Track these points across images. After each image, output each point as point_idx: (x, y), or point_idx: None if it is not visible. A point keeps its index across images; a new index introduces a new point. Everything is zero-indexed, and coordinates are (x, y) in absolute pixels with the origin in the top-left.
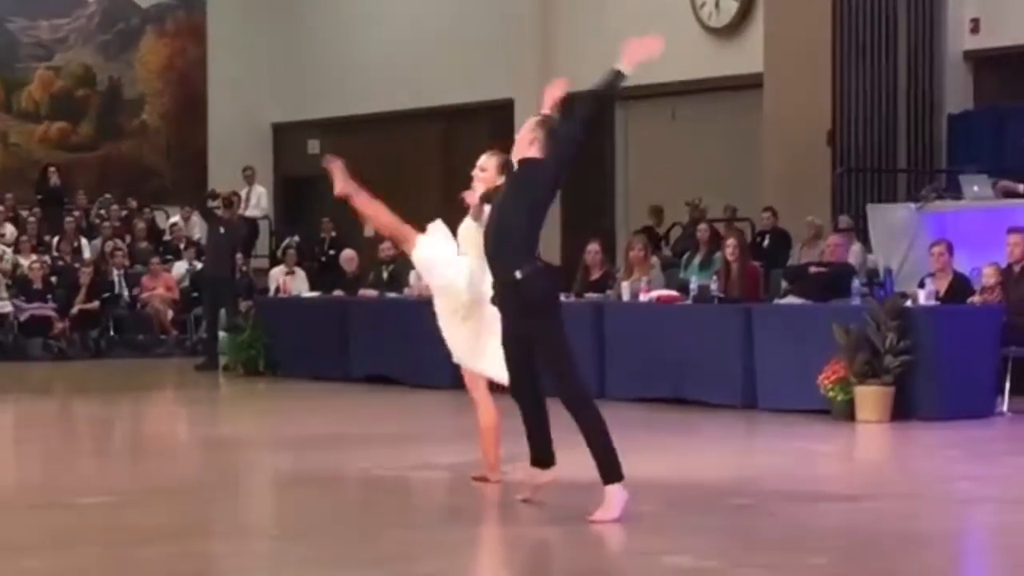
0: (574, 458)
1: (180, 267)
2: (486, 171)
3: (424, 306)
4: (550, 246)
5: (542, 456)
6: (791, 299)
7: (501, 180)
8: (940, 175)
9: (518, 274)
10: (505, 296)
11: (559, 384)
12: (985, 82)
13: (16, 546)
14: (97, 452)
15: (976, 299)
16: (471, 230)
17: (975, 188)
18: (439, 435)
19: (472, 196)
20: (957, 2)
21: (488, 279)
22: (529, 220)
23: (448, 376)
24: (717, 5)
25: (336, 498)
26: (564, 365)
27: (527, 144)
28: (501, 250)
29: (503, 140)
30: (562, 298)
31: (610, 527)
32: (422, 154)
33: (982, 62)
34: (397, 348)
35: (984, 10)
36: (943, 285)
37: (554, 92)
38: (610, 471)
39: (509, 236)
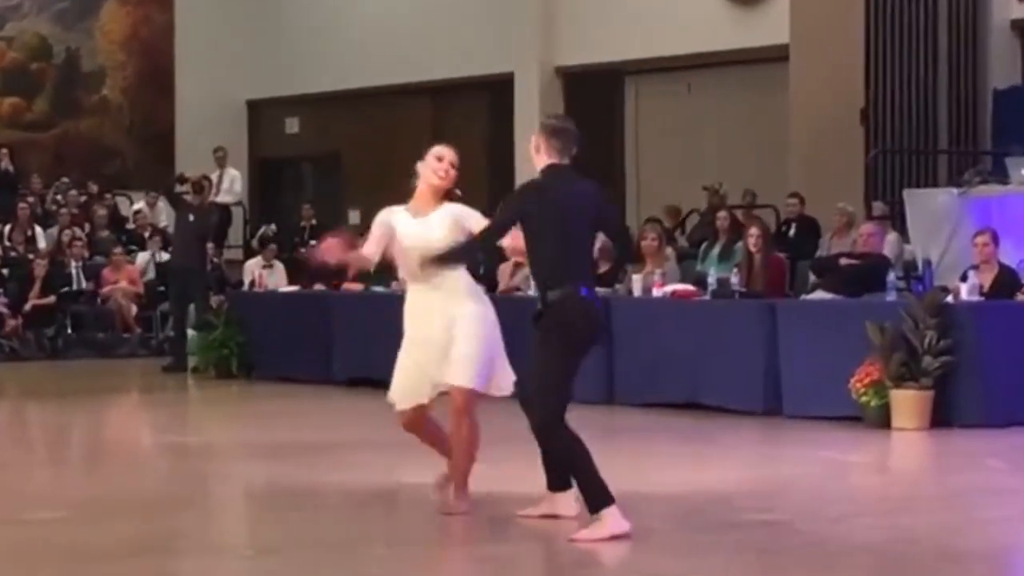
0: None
1: (144, 258)
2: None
3: None
4: None
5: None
6: (820, 294)
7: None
8: (985, 157)
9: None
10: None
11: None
12: None
13: None
14: (53, 462)
15: None
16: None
17: (1023, 171)
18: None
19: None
20: None
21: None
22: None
23: None
24: None
25: (313, 513)
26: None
27: (535, 153)
28: None
29: (503, 117)
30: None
31: (616, 545)
32: (411, 133)
33: None
34: (384, 348)
35: None
36: (988, 279)
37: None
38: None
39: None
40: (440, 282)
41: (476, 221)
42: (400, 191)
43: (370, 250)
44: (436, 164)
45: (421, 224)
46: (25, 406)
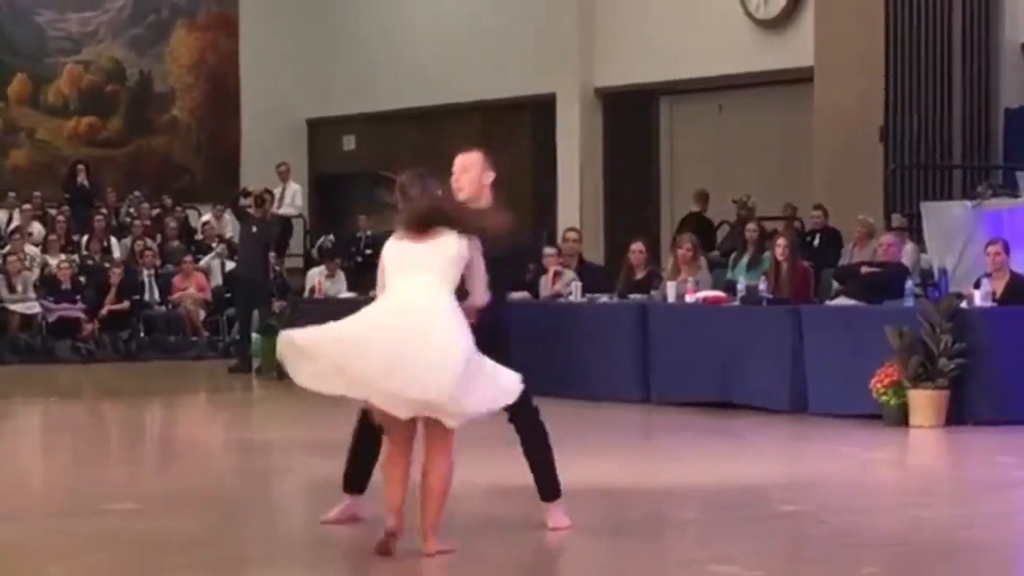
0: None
1: (212, 264)
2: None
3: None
4: (592, 245)
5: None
6: (842, 300)
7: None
8: (996, 171)
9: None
10: None
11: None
12: None
13: (42, 552)
14: (126, 457)
15: None
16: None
17: None
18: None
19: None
20: None
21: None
22: None
23: None
24: None
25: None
26: None
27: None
28: None
29: (545, 136)
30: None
31: (652, 535)
32: (460, 150)
33: None
34: None
35: None
36: (1000, 286)
37: None
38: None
39: None
40: None
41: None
42: None
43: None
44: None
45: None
46: (101, 405)
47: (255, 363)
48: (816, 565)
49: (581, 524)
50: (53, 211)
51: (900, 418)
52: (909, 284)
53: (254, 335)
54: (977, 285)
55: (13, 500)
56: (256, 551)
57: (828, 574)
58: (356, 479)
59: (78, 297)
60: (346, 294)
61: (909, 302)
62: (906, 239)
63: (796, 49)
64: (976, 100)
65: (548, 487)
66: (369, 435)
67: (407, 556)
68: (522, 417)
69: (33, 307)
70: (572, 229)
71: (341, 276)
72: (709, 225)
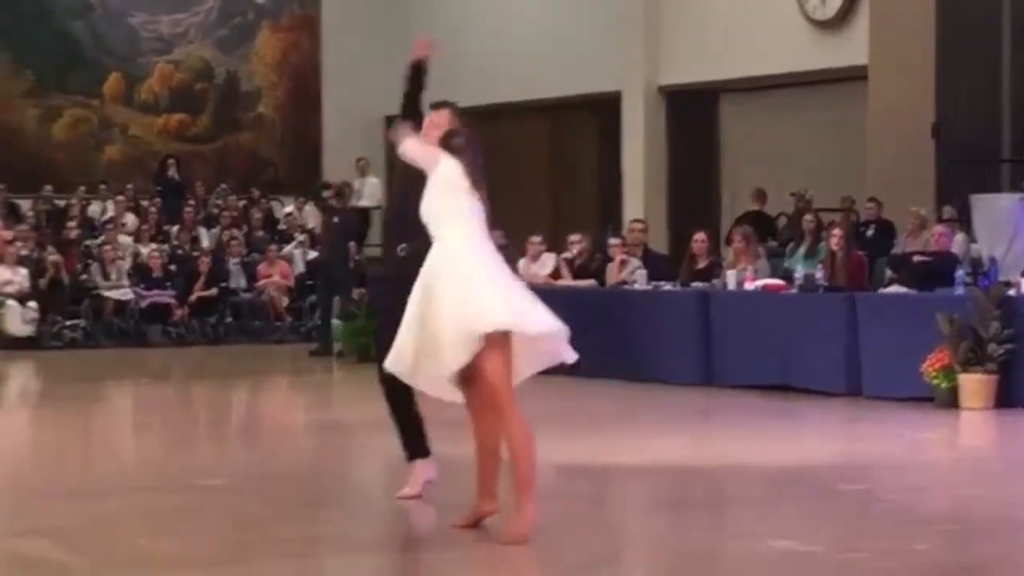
0: (672, 445)
1: (295, 253)
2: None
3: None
4: (656, 235)
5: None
6: (895, 288)
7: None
8: None
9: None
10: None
11: None
12: None
13: (136, 527)
14: (214, 436)
15: None
16: None
17: None
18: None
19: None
20: None
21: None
22: None
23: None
24: None
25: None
26: None
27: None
28: None
29: (610, 134)
30: (667, 286)
31: (715, 510)
32: (529, 147)
33: None
34: None
35: None
36: None
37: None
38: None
39: None
40: None
41: None
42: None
43: None
44: None
45: None
46: (190, 386)
47: (336, 347)
48: (872, 541)
49: (645, 499)
50: (145, 203)
51: (951, 401)
52: (959, 273)
53: (335, 321)
54: None
55: (108, 477)
56: (337, 527)
57: (883, 550)
58: (415, 445)
59: (168, 284)
60: None
61: (959, 290)
62: (956, 230)
63: (851, 48)
64: None
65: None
66: (402, 400)
67: (483, 528)
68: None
69: (126, 293)
70: (637, 220)
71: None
72: (768, 220)
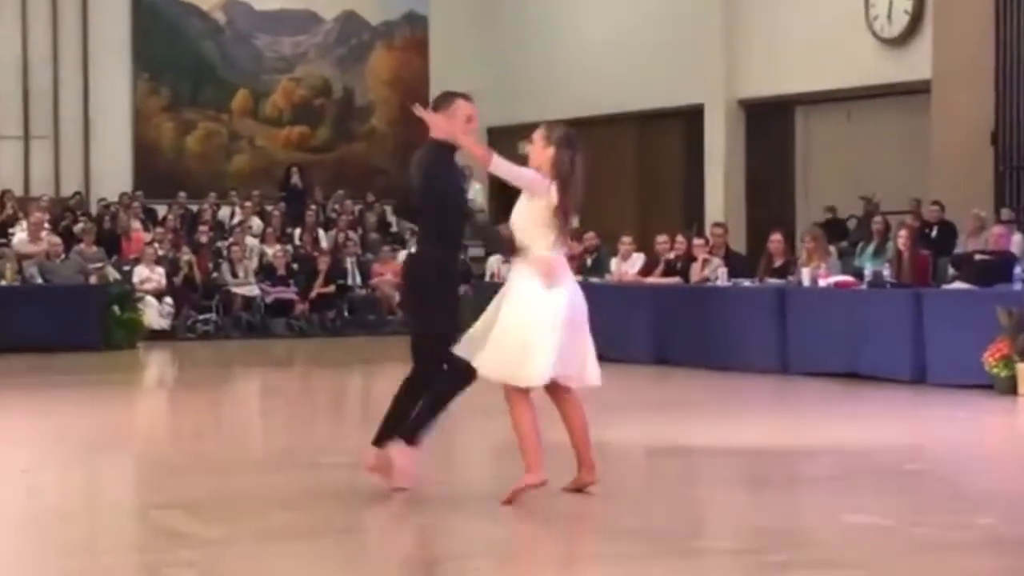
0: (750, 427)
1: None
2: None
3: (625, 289)
4: (736, 237)
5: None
6: (957, 284)
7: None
8: None
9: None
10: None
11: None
12: None
13: (268, 501)
14: (334, 418)
15: None
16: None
17: None
18: (642, 406)
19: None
20: None
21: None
22: None
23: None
24: (889, 17)
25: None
26: None
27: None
28: None
29: (694, 143)
30: (746, 283)
31: (787, 487)
32: (619, 154)
33: None
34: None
35: None
36: None
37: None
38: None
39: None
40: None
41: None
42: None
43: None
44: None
45: None
46: (311, 373)
47: None
48: (938, 516)
49: (727, 478)
50: (270, 207)
51: (1010, 388)
52: (1017, 270)
53: None
54: None
55: (238, 455)
56: (446, 489)
57: (949, 524)
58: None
59: (291, 281)
60: None
61: (1017, 286)
62: (1014, 231)
63: (916, 63)
64: None
65: (415, 433)
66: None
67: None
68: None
69: (253, 290)
70: (718, 224)
71: None
72: (839, 223)
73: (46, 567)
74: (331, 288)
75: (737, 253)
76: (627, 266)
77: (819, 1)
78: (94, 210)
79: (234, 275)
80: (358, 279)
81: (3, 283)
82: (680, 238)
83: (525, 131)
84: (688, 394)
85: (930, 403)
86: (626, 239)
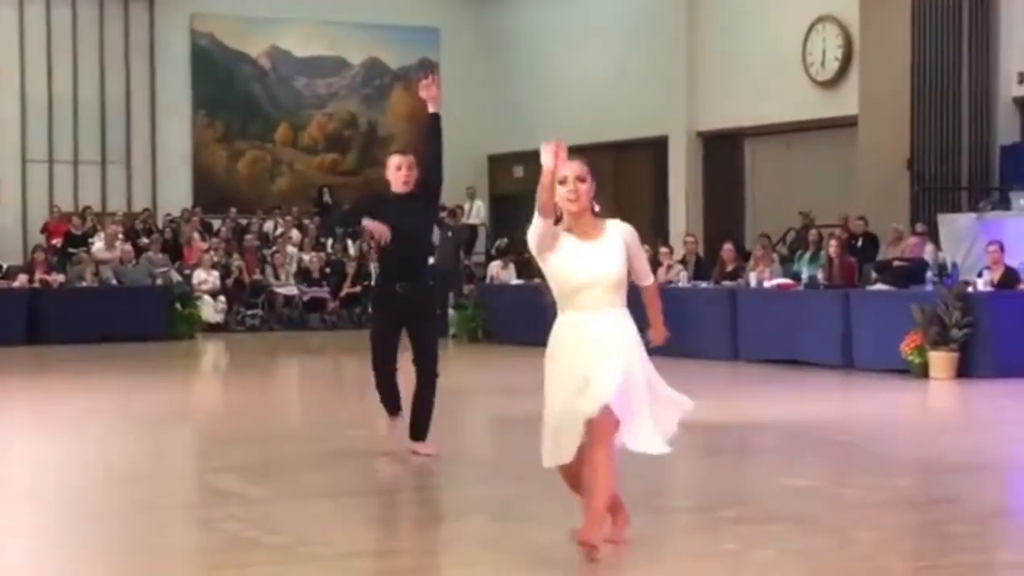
0: (706, 406)
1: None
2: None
3: None
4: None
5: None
6: (879, 286)
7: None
8: (994, 192)
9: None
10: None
11: (432, 360)
12: None
13: (304, 466)
14: (359, 397)
15: (1023, 286)
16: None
17: (1021, 202)
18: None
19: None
20: (1007, 58)
21: None
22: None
23: None
24: (823, 63)
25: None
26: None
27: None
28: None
29: (660, 170)
30: (703, 284)
31: (735, 456)
32: (598, 180)
33: None
34: None
35: None
36: (996, 275)
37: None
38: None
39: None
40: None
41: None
42: None
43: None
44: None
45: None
46: (341, 361)
47: (451, 330)
48: (862, 479)
49: (683, 448)
50: (306, 221)
51: (923, 372)
52: (929, 274)
53: (450, 310)
54: (980, 275)
55: (280, 427)
56: (457, 468)
57: (871, 485)
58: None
59: (324, 283)
60: (515, 281)
61: (929, 287)
62: (927, 241)
63: (845, 102)
64: (979, 138)
65: (423, 429)
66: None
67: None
68: (426, 364)
69: (292, 290)
70: (689, 235)
71: (512, 268)
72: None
73: (118, 521)
74: (358, 288)
75: (700, 258)
76: None
77: (764, 49)
78: (160, 223)
79: (276, 277)
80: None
81: (84, 284)
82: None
83: (519, 158)
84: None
85: (856, 385)
86: None
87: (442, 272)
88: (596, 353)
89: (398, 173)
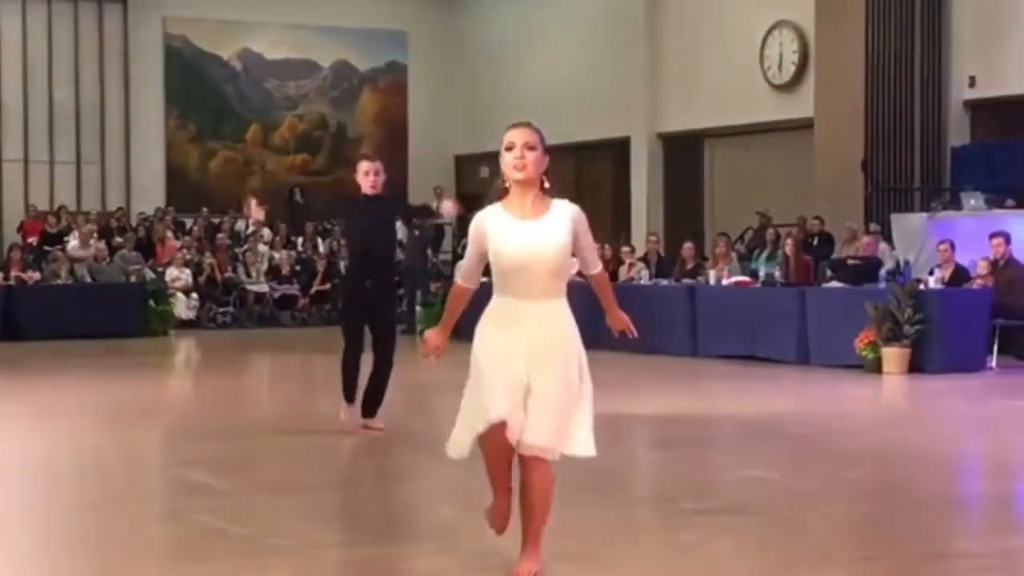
0: (666, 400)
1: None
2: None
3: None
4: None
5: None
6: (834, 284)
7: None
8: (945, 192)
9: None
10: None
11: (391, 350)
12: (979, 124)
13: (272, 460)
14: (331, 393)
15: (973, 284)
16: None
17: (972, 202)
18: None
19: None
20: (959, 64)
21: None
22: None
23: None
24: (780, 67)
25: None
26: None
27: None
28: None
29: (623, 170)
30: (664, 282)
31: (694, 448)
32: (561, 180)
33: (977, 109)
34: None
35: (979, 70)
36: (947, 273)
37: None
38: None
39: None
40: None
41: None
42: None
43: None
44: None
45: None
46: (312, 357)
47: (418, 327)
48: (816, 468)
49: (645, 441)
50: (278, 220)
51: (876, 367)
52: (882, 272)
53: (418, 308)
54: (931, 273)
55: (249, 422)
56: (416, 460)
57: (825, 475)
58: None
59: (295, 280)
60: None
61: (882, 285)
62: (880, 240)
63: (801, 105)
64: (931, 141)
65: (375, 407)
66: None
67: None
68: (384, 353)
69: (263, 287)
70: (652, 233)
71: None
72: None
73: (88, 513)
74: (328, 286)
75: (661, 256)
76: (570, 267)
77: (724, 54)
78: (134, 222)
79: (248, 275)
80: None
81: (59, 281)
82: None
83: (485, 159)
84: (616, 373)
85: (812, 380)
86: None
87: (410, 270)
88: (533, 360)
89: (367, 178)
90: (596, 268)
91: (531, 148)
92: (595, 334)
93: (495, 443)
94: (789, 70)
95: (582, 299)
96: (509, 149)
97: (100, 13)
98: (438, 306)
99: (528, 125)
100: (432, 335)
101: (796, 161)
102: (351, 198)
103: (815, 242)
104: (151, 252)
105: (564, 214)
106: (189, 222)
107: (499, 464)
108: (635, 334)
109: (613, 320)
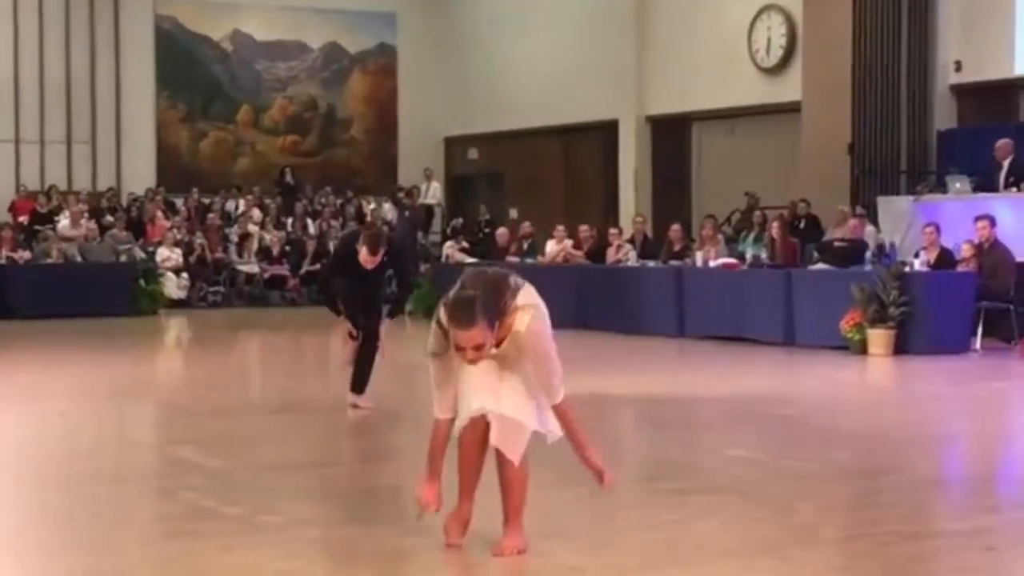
0: (653, 379)
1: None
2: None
3: (555, 268)
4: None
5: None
6: (820, 266)
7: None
8: (931, 176)
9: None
10: None
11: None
12: (965, 108)
13: (262, 438)
14: (320, 372)
15: (958, 267)
16: None
17: (957, 185)
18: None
19: None
20: (945, 49)
21: None
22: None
23: (572, 319)
24: (767, 50)
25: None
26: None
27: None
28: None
29: (611, 153)
30: (651, 264)
31: (681, 431)
32: (549, 160)
33: (963, 93)
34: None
35: (964, 55)
36: (932, 256)
37: None
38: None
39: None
40: None
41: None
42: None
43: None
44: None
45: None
46: (301, 336)
47: (407, 308)
48: (801, 450)
49: (631, 421)
50: (268, 201)
51: (861, 349)
52: (868, 255)
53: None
54: (916, 256)
55: (239, 401)
56: (398, 440)
57: (810, 457)
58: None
59: (285, 261)
60: (469, 260)
61: (868, 267)
62: (866, 223)
63: (789, 88)
64: (917, 124)
65: (363, 382)
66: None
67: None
68: (372, 329)
69: (254, 268)
70: (639, 215)
71: (465, 247)
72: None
73: (78, 490)
74: (317, 266)
75: (648, 238)
76: (559, 247)
77: (711, 36)
78: (124, 202)
79: (238, 255)
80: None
81: (49, 261)
82: (585, 227)
83: (474, 140)
84: (604, 353)
85: (798, 361)
86: (560, 228)
87: (399, 250)
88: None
89: (368, 258)
90: (556, 398)
91: (479, 347)
92: (582, 318)
93: (471, 435)
94: (777, 54)
95: (569, 280)
96: (459, 350)
97: None
98: (427, 287)
99: (470, 322)
100: (425, 492)
101: (783, 144)
102: (353, 256)
103: (802, 224)
104: (141, 232)
105: (520, 345)
106: (179, 202)
107: (470, 462)
108: (611, 485)
109: (597, 475)
